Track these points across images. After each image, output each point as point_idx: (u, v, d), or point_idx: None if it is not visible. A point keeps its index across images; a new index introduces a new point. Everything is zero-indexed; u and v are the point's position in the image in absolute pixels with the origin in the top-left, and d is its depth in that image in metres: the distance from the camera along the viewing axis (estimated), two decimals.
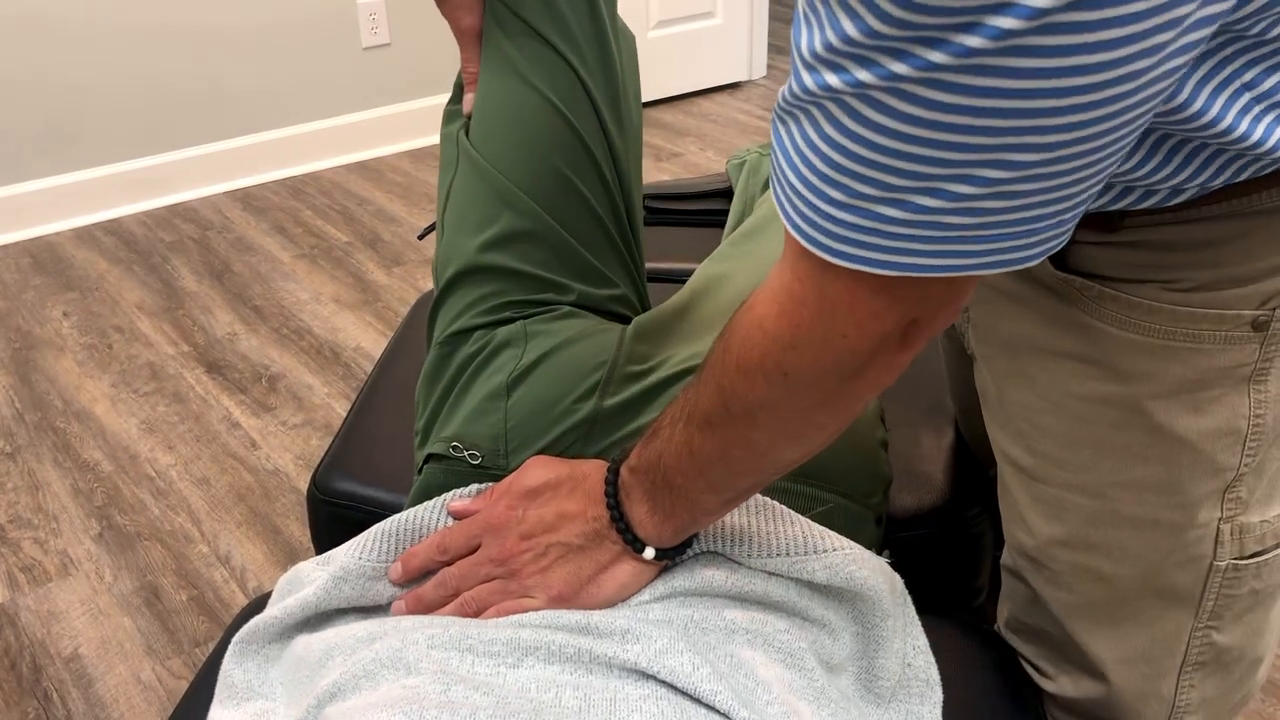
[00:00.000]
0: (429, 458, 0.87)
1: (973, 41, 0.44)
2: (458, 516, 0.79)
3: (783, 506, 0.76)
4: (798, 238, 0.55)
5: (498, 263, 0.92)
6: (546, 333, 0.91)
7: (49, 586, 1.72)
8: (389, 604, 0.77)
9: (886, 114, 0.48)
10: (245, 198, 3.11)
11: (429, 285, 2.55)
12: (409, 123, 3.41)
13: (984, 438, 0.94)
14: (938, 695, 0.73)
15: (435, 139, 3.47)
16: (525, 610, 0.72)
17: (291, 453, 2.03)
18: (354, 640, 0.68)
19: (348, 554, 0.77)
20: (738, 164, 1.51)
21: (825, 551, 0.72)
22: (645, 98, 3.44)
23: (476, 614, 0.73)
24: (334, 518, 1.02)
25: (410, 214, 2.97)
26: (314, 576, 0.77)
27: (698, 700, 0.61)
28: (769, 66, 3.94)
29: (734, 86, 3.84)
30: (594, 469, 0.74)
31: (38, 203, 2.92)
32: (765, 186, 1.40)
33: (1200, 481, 0.72)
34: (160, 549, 1.80)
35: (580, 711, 0.59)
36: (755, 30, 3.82)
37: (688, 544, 0.73)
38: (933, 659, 0.74)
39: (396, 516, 0.80)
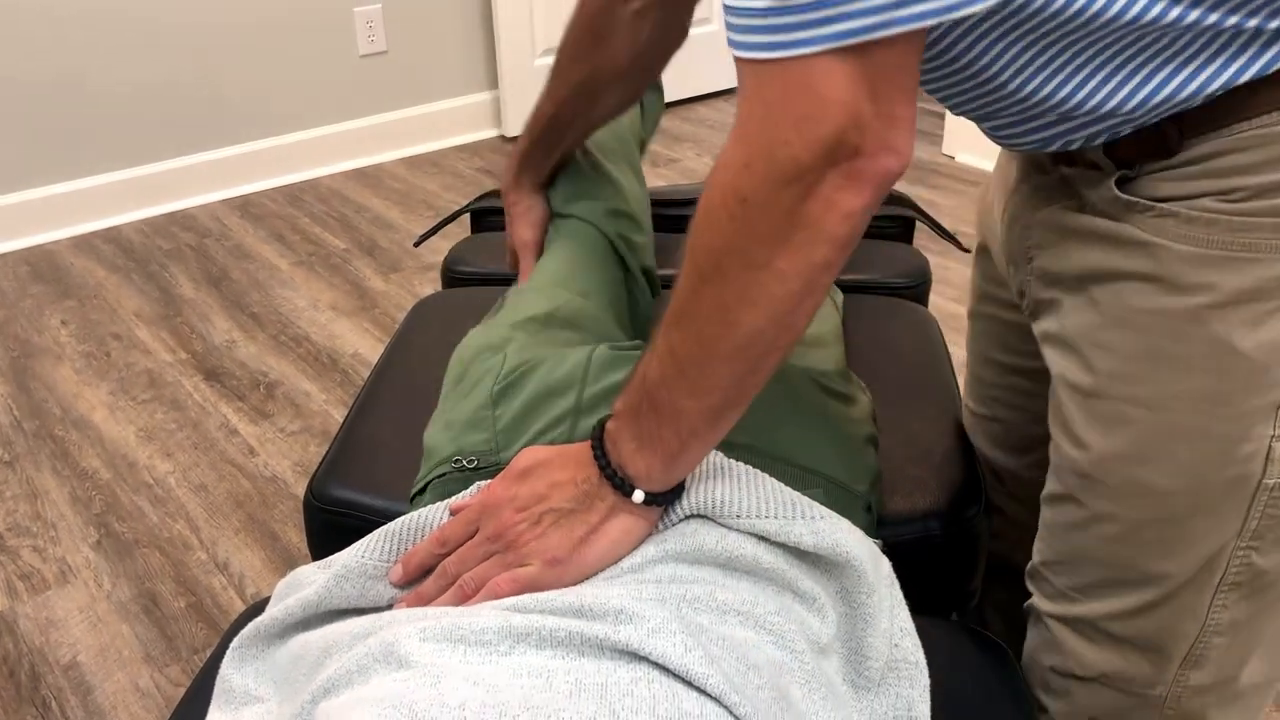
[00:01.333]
0: (433, 470, 0.90)
1: None
2: (455, 512, 0.80)
3: (770, 477, 0.78)
4: (738, 52, 0.61)
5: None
6: (527, 345, 0.96)
7: (47, 594, 1.72)
8: (389, 605, 0.77)
9: None
10: (243, 205, 3.12)
11: (426, 291, 2.56)
12: (406, 129, 3.42)
13: (1016, 421, 0.98)
14: (925, 679, 0.74)
15: (433, 145, 3.49)
16: (522, 580, 0.73)
17: (289, 459, 2.03)
18: (349, 637, 0.69)
19: (350, 554, 0.78)
20: None
21: (812, 518, 0.74)
22: None
23: (474, 593, 0.74)
24: (330, 525, 1.02)
25: (407, 220, 2.98)
26: (314, 578, 0.78)
27: (689, 683, 0.62)
28: None
29: (731, 92, 3.85)
30: (582, 444, 0.77)
31: (36, 211, 2.92)
32: None
33: (1254, 395, 0.74)
34: (159, 556, 1.80)
35: (571, 696, 0.59)
36: None
37: (677, 492, 0.75)
38: (919, 641, 0.75)
39: (402, 518, 0.80)
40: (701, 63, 3.73)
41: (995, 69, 0.72)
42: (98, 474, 2.00)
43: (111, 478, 1.99)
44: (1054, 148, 0.78)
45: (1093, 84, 0.71)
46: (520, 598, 0.70)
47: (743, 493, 0.75)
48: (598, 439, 0.75)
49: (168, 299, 2.61)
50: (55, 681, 1.56)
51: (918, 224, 1.49)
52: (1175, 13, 0.65)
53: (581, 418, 0.88)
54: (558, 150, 1.22)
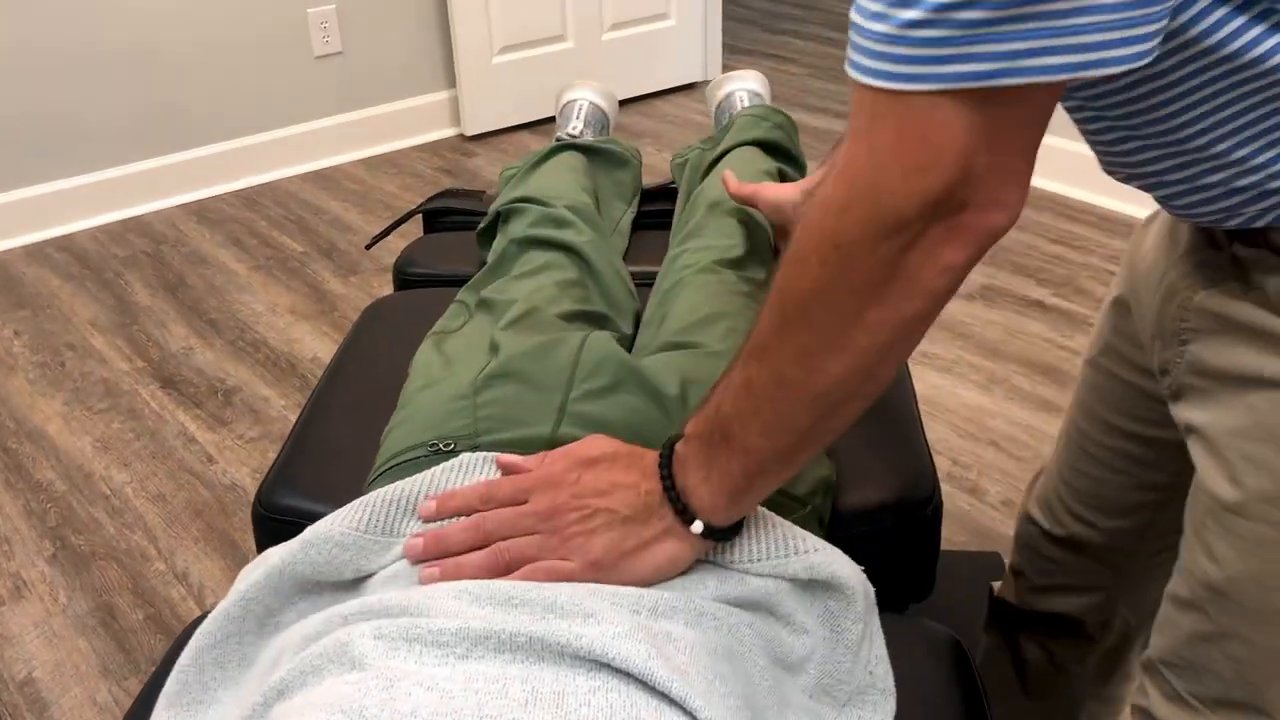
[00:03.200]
0: (395, 456, 0.88)
1: None
2: (507, 470, 0.78)
3: (765, 510, 0.77)
4: (853, 73, 0.57)
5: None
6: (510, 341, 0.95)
7: (1, 610, 1.69)
8: (351, 581, 0.76)
9: None
10: (200, 210, 3.08)
11: (385, 292, 2.54)
12: (363, 130, 3.39)
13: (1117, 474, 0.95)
14: (891, 706, 0.74)
15: (391, 146, 3.46)
16: (559, 576, 0.71)
17: (249, 466, 2.01)
18: (301, 638, 0.67)
19: (322, 522, 0.76)
20: (680, 163, 1.52)
21: (806, 553, 0.73)
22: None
23: (508, 569, 0.72)
24: (280, 535, 1.00)
25: (366, 222, 2.96)
26: (281, 550, 0.76)
27: (651, 689, 0.61)
28: (724, 66, 3.94)
29: (689, 87, 3.85)
30: (652, 451, 0.75)
31: None
32: (705, 174, 1.41)
33: None
34: (116, 568, 1.77)
35: (526, 705, 0.58)
36: (709, 31, 3.83)
37: (736, 529, 0.73)
38: (890, 669, 0.75)
39: (381, 490, 0.79)
40: (660, 58, 3.73)
41: (1172, 114, 0.66)
42: (53, 486, 1.97)
43: (67, 489, 1.96)
44: (1233, 223, 0.71)
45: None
46: (496, 583, 0.69)
47: (745, 537, 0.74)
48: (666, 458, 0.72)
49: (123, 307, 2.58)
50: (10, 699, 1.54)
51: None
52: None
53: (565, 420, 0.87)
54: None
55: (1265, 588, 0.75)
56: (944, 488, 1.83)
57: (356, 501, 0.78)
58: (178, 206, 3.11)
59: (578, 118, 1.62)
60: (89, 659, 1.60)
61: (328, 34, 3.23)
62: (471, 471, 0.80)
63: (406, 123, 3.46)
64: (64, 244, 2.92)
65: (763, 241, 1.22)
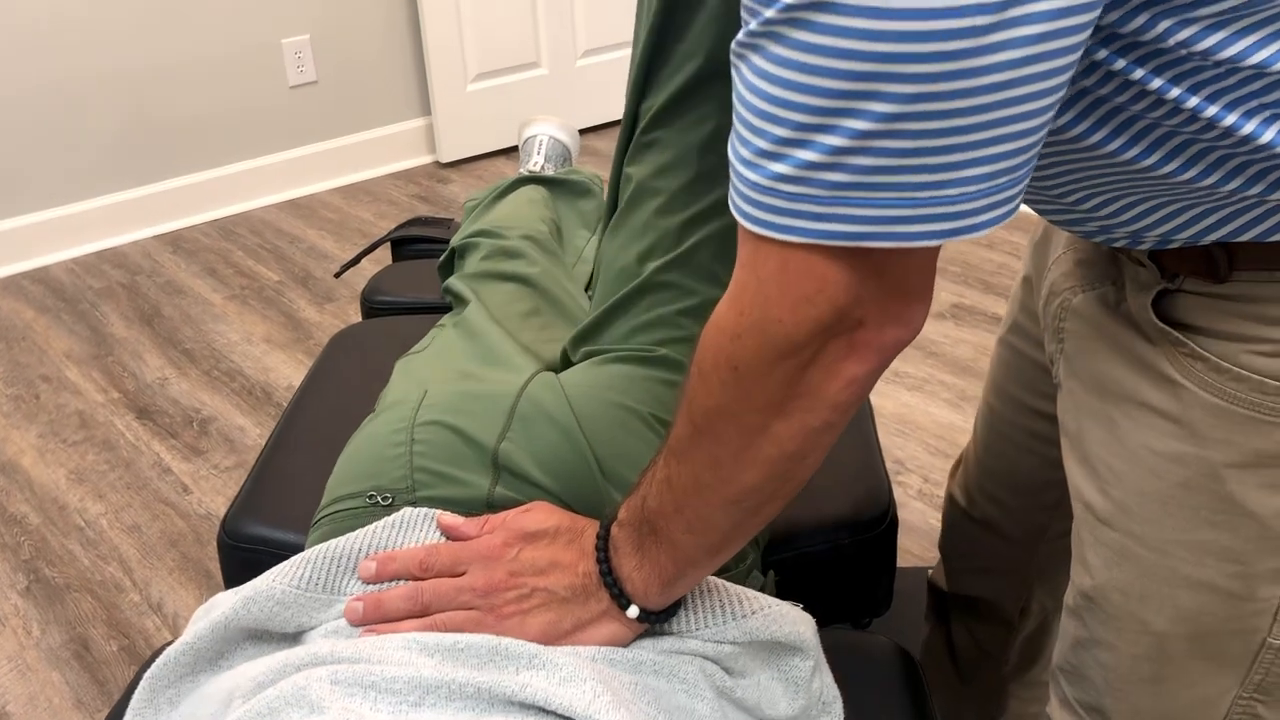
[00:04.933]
0: (336, 502, 0.88)
1: None
2: (447, 533, 0.79)
3: (714, 578, 0.77)
4: (734, 213, 0.57)
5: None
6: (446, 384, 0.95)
7: None
8: (295, 634, 0.76)
9: (766, 59, 0.51)
10: (175, 240, 3.09)
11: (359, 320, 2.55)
12: (339, 159, 3.41)
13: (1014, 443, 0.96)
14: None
15: (366, 174, 3.48)
16: None
17: (224, 496, 2.01)
18: (252, 682, 0.68)
19: (263, 578, 0.77)
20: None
21: (743, 617, 0.74)
22: (576, 125, 3.47)
23: None
24: (246, 564, 1.01)
25: (341, 250, 2.97)
26: (225, 602, 0.77)
27: None
28: None
29: None
30: (593, 525, 0.75)
31: None
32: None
33: (1265, 557, 0.71)
34: (90, 600, 1.77)
35: None
36: None
37: (671, 611, 0.73)
38: (839, 693, 0.77)
39: (322, 545, 0.79)
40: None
41: (1048, 185, 0.68)
42: (26, 519, 1.97)
43: (41, 522, 1.96)
44: (1099, 239, 0.74)
45: (1149, 219, 0.67)
46: (442, 635, 0.70)
47: (683, 607, 0.75)
48: (603, 540, 0.72)
49: (98, 338, 2.58)
50: None
51: None
52: (1234, 185, 0.62)
53: (501, 480, 0.85)
54: None
55: (1126, 595, 0.76)
56: (916, 505, 1.85)
57: (298, 557, 0.79)
58: (153, 237, 3.11)
59: (538, 153, 1.64)
60: (62, 692, 1.60)
61: (302, 63, 3.25)
62: (412, 528, 0.80)
63: (382, 151, 3.48)
64: (39, 276, 2.92)
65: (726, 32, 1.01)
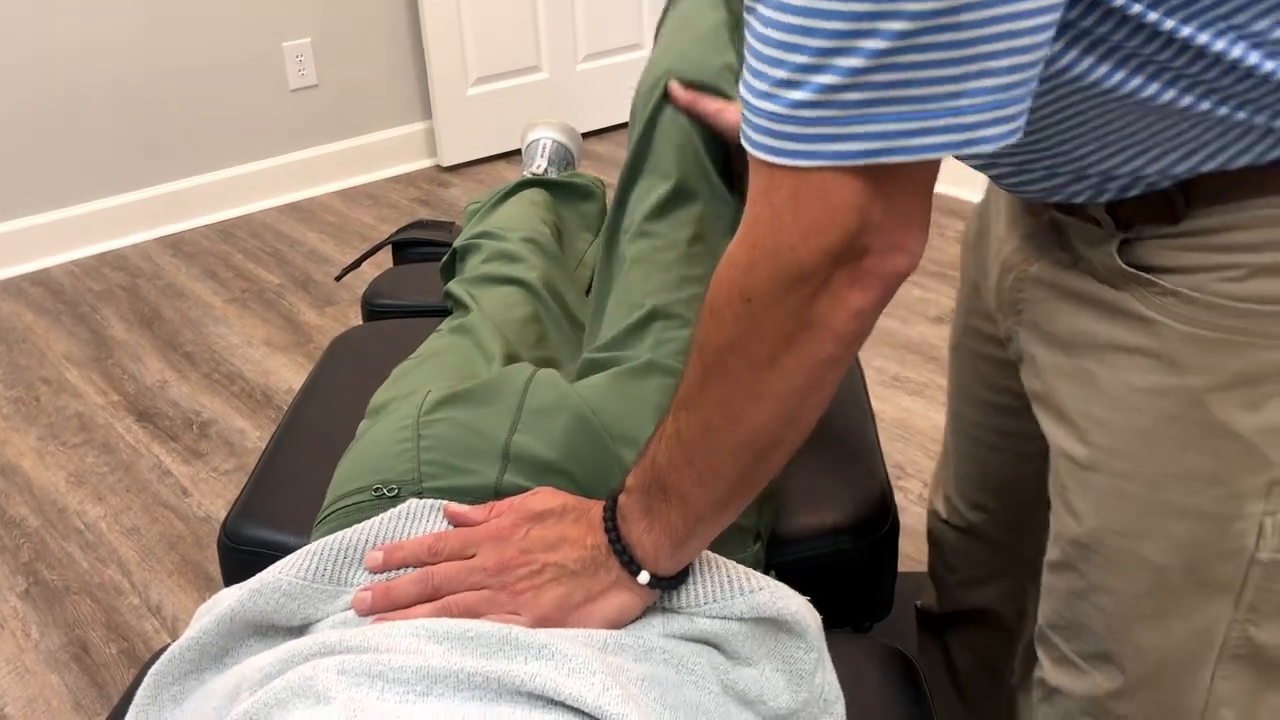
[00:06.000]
0: (341, 499, 0.88)
1: None
2: (454, 521, 0.79)
3: (709, 552, 0.78)
4: (748, 146, 0.59)
5: None
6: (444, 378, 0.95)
7: None
8: (301, 628, 0.76)
9: (773, 6, 0.53)
10: (175, 243, 3.09)
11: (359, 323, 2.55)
12: (340, 162, 3.41)
13: (993, 444, 0.97)
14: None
15: (367, 177, 3.48)
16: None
17: (223, 499, 2.01)
18: (261, 674, 0.68)
19: (269, 570, 0.77)
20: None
21: (751, 592, 0.75)
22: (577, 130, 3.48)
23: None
24: (246, 566, 1.01)
25: (342, 253, 2.97)
26: (231, 595, 0.77)
27: None
28: None
29: None
30: (598, 503, 0.76)
31: None
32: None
33: (1249, 475, 0.74)
34: (89, 602, 1.77)
35: None
36: None
37: (681, 578, 0.74)
38: (840, 693, 0.77)
39: (328, 538, 0.79)
40: (632, 88, 3.76)
41: (1032, 129, 0.70)
42: (26, 521, 1.97)
43: (40, 525, 1.96)
44: (1057, 198, 0.76)
45: (1127, 152, 0.70)
46: (453, 621, 0.70)
47: (690, 581, 0.76)
48: (610, 510, 0.73)
49: (99, 341, 2.58)
50: None
51: None
52: (1206, 106, 0.65)
53: (510, 468, 0.86)
54: None
55: (1121, 535, 0.79)
56: (916, 509, 1.85)
57: (304, 549, 0.79)
58: (154, 240, 3.11)
59: (541, 156, 1.64)
60: (61, 695, 1.60)
61: (303, 67, 3.26)
62: (418, 519, 0.81)
63: (382, 154, 3.49)
64: (39, 278, 2.92)
65: (690, 163, 1.10)
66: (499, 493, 0.83)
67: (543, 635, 0.67)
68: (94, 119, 2.97)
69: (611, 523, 0.73)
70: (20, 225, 2.95)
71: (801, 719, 0.75)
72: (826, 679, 0.76)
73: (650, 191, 1.06)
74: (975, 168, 0.79)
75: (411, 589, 0.75)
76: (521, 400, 0.92)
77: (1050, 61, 0.64)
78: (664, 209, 1.05)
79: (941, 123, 0.55)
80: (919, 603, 1.24)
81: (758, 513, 0.90)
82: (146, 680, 0.74)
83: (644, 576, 0.72)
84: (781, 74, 0.55)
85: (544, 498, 0.77)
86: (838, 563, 0.99)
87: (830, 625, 0.78)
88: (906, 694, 0.86)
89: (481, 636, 0.67)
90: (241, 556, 1.02)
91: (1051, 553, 0.86)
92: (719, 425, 0.67)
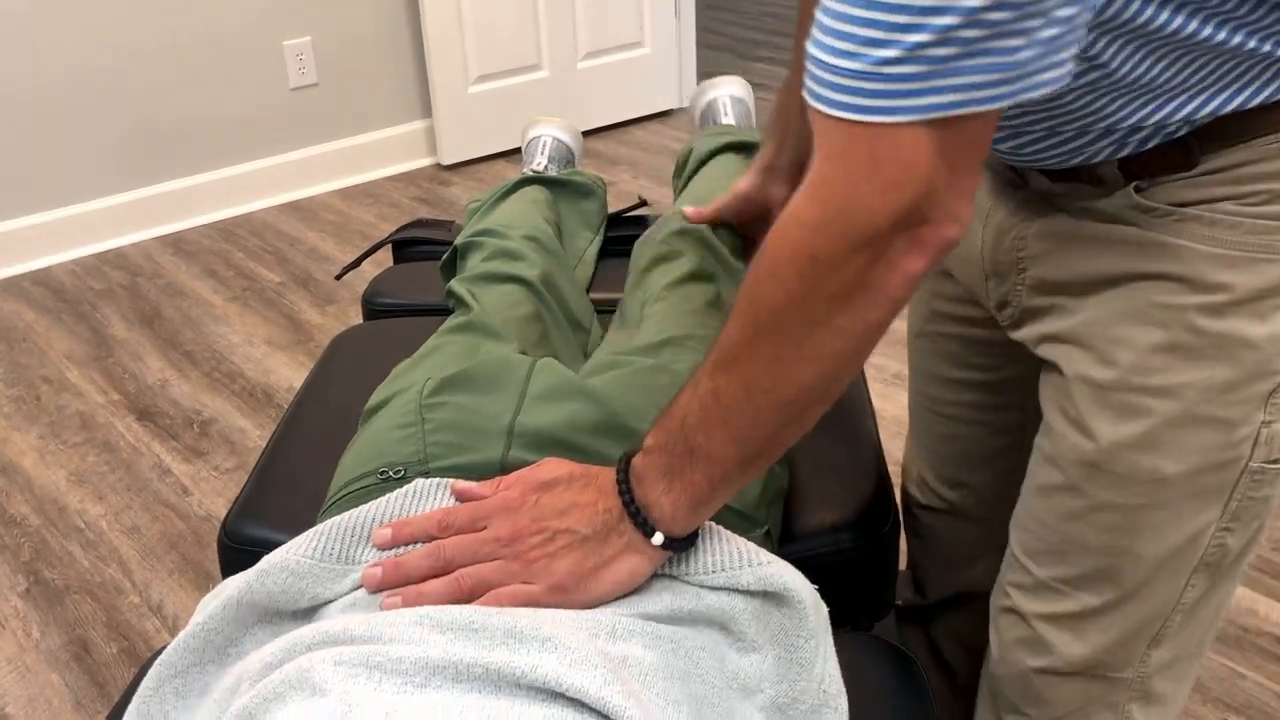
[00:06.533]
0: (346, 485, 0.88)
1: None
2: (462, 497, 0.79)
3: (718, 525, 0.78)
4: (822, 108, 0.61)
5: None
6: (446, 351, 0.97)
7: None
8: (309, 610, 0.76)
9: None
10: (176, 242, 3.09)
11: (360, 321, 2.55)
12: (340, 161, 3.41)
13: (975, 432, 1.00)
14: None
15: (367, 176, 3.48)
16: (522, 599, 0.72)
17: (224, 498, 2.01)
18: (262, 665, 0.68)
19: (277, 551, 0.77)
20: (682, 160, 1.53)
21: (758, 565, 0.75)
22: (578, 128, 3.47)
23: (471, 595, 0.72)
24: (246, 566, 1.01)
25: (342, 252, 2.97)
26: (238, 580, 0.77)
27: (606, 716, 0.62)
28: None
29: (665, 115, 3.88)
30: (607, 469, 0.76)
31: None
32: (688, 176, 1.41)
33: (1256, 383, 0.79)
34: (90, 602, 1.77)
35: None
36: (683, 59, 3.87)
37: (692, 540, 0.75)
38: (843, 687, 0.76)
39: (336, 518, 0.79)
40: (635, 86, 3.76)
41: (1073, 87, 0.73)
42: (27, 520, 1.97)
43: (41, 524, 1.96)
44: (1076, 160, 0.80)
45: (1161, 98, 0.73)
46: (458, 609, 0.69)
47: (699, 550, 0.76)
48: (623, 472, 0.74)
49: (99, 340, 2.58)
50: None
51: None
52: (1224, 34, 0.69)
53: (514, 444, 0.87)
54: None
55: (1137, 448, 0.82)
56: None
57: (311, 530, 0.78)
58: (154, 239, 3.11)
59: (542, 154, 1.65)
60: (62, 694, 1.60)
61: (303, 66, 3.25)
62: (426, 498, 0.81)
63: (383, 153, 3.48)
64: (40, 278, 2.92)
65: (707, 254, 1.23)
66: (505, 468, 0.83)
67: (548, 628, 0.66)
68: (94, 118, 2.97)
69: (625, 485, 0.73)
70: (21, 224, 2.95)
71: (801, 710, 0.75)
72: (828, 670, 0.76)
73: (671, 271, 1.16)
74: (996, 143, 0.81)
75: (423, 563, 0.74)
76: (524, 388, 0.93)
77: (1103, 8, 0.67)
78: (683, 282, 1.14)
79: (1009, 74, 0.58)
80: (899, 601, 1.25)
81: (766, 511, 0.90)
82: (151, 671, 0.74)
83: (658, 538, 0.72)
84: (872, 33, 0.57)
85: (550, 467, 0.78)
86: (838, 561, 0.98)
87: (831, 624, 0.78)
88: (908, 692, 0.86)
89: (486, 628, 0.67)
90: (241, 556, 1.02)
91: (1046, 477, 0.88)
92: (764, 385, 0.69)
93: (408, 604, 0.73)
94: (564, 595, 0.73)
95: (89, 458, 2.14)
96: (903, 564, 1.22)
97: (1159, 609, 0.87)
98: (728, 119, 1.71)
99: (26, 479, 2.09)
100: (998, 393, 1.05)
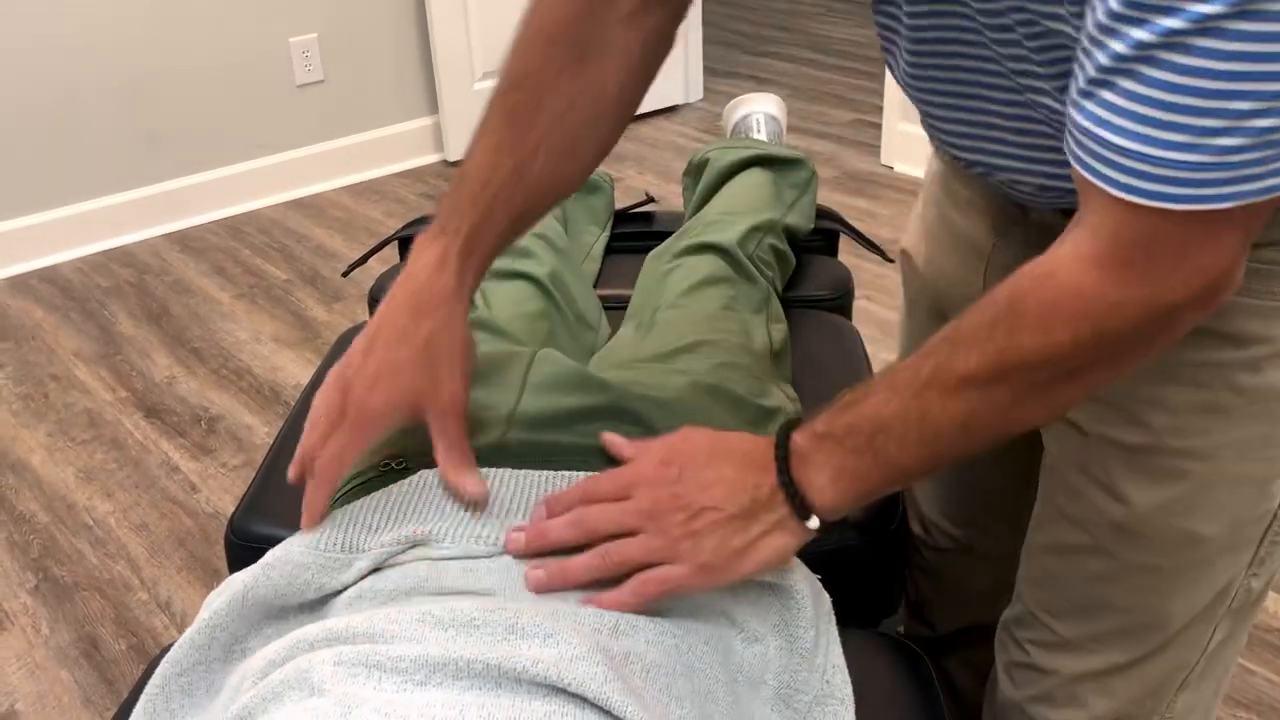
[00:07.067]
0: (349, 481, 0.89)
1: None
2: (608, 447, 0.79)
3: None
4: (1131, 197, 0.59)
5: None
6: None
7: None
8: (316, 601, 0.76)
9: (1204, 56, 0.54)
10: (183, 239, 3.09)
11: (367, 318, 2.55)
12: (347, 158, 3.41)
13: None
14: (850, 716, 0.75)
15: (374, 173, 3.48)
16: (670, 583, 0.70)
17: (231, 495, 2.02)
18: (265, 663, 0.68)
19: (280, 545, 0.77)
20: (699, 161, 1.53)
21: None
22: None
23: (614, 568, 0.71)
24: (252, 564, 1.01)
25: (350, 249, 2.97)
26: (243, 575, 0.77)
27: (608, 712, 0.62)
28: (705, 90, 3.98)
29: (671, 110, 3.87)
30: (749, 439, 0.74)
31: None
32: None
33: None
34: (99, 598, 1.78)
35: None
36: (690, 54, 3.86)
37: (840, 521, 0.74)
38: (848, 678, 0.76)
39: (341, 509, 0.79)
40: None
41: None
42: (36, 517, 1.98)
43: (50, 520, 1.97)
44: None
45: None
46: (460, 604, 0.69)
47: None
48: (782, 448, 0.72)
49: (107, 337, 2.59)
50: None
51: (843, 236, 1.51)
52: None
53: (513, 429, 0.87)
54: (523, 226, 0.87)
55: (1172, 513, 0.79)
56: None
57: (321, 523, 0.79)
58: (161, 236, 3.12)
59: None
60: (71, 691, 1.60)
61: (309, 63, 3.26)
62: (430, 488, 0.81)
63: (389, 150, 3.48)
64: (48, 275, 2.93)
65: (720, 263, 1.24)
66: (505, 449, 0.83)
67: (549, 624, 0.66)
68: (100, 116, 2.97)
69: (784, 464, 0.71)
70: (28, 222, 2.95)
71: (806, 702, 0.75)
72: (831, 661, 0.76)
73: (687, 277, 1.15)
74: (1019, 180, 0.78)
75: (565, 532, 0.73)
76: (525, 378, 0.93)
77: None
78: (698, 287, 1.13)
79: None
80: (900, 629, 1.23)
81: None
82: (159, 669, 0.74)
83: (814, 522, 0.71)
84: (1211, 122, 0.56)
85: (691, 435, 0.75)
86: (843, 558, 0.98)
87: (838, 620, 0.78)
88: (916, 688, 0.86)
89: (488, 624, 0.67)
90: (248, 553, 1.01)
91: (1072, 537, 0.85)
92: (988, 422, 0.68)
93: (552, 582, 0.72)
94: (710, 575, 0.71)
95: (97, 455, 2.15)
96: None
97: (1186, 658, 0.84)
98: (759, 136, 1.70)
99: (35, 476, 2.09)
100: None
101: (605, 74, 0.84)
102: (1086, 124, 0.60)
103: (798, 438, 0.72)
